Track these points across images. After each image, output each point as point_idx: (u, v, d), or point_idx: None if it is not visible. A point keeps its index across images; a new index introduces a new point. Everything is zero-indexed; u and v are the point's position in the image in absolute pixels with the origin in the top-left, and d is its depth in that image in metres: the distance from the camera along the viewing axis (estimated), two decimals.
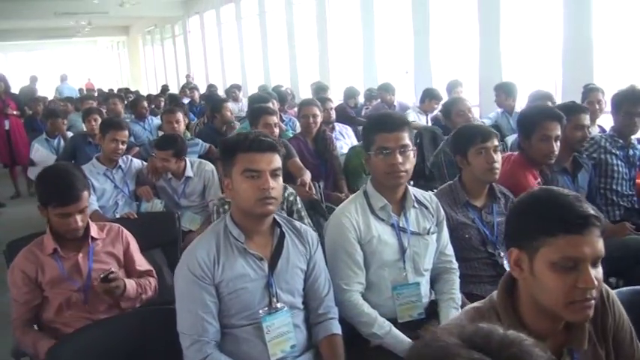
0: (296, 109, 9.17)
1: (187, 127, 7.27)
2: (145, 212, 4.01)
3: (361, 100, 8.60)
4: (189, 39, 18.67)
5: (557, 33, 6.87)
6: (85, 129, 6.28)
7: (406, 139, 2.38)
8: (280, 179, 2.07)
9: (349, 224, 2.38)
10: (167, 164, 4.12)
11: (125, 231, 2.68)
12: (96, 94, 15.03)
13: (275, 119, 4.57)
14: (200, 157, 5.40)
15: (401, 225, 2.45)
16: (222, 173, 2.13)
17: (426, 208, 2.53)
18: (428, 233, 2.50)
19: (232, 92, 10.69)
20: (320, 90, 8.42)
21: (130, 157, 4.39)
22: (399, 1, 9.16)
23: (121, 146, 4.15)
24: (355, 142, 6.04)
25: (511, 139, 5.85)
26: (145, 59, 24.89)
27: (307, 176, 4.27)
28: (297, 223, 2.26)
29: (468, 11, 8.00)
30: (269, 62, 13.38)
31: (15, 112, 8.89)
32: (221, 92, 11.71)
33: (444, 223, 2.60)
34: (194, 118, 9.23)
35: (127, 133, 4.21)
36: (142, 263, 2.69)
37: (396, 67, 9.53)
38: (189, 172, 4.27)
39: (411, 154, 2.39)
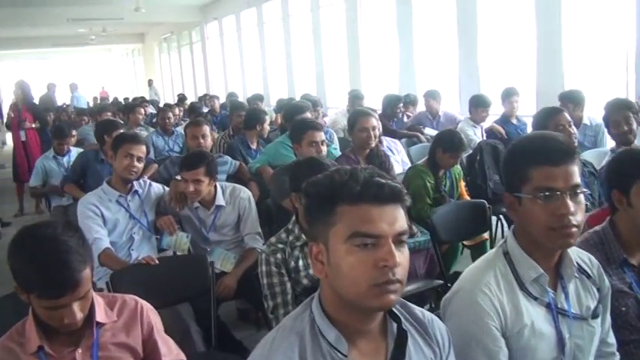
0: (326, 119, 8.52)
1: None
2: (168, 257, 3.21)
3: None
4: (207, 46, 17.94)
5: (628, 32, 6.04)
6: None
7: (577, 175, 1.57)
8: (406, 249, 1.27)
9: (490, 306, 1.56)
10: (199, 187, 3.33)
11: (145, 307, 1.85)
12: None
13: (323, 136, 3.79)
14: (229, 177, 4.62)
15: (559, 305, 1.63)
16: (310, 235, 1.33)
17: (588, 276, 1.72)
18: (593, 316, 1.68)
19: (255, 104, 9.89)
20: (356, 99, 7.61)
21: (147, 180, 3.59)
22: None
23: (136, 163, 3.33)
24: (406, 160, 5.23)
25: (590, 155, 5.04)
26: (161, 67, 24.16)
27: None
28: (419, 311, 1.43)
29: (523, 10, 7.16)
30: (293, 69, 12.58)
31: (33, 125, 8.23)
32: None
33: (609, 298, 1.77)
34: (214, 129, 8.46)
35: (144, 148, 3.41)
36: (169, 350, 1.86)
37: (438, 72, 8.69)
38: (220, 200, 3.48)
39: (583, 199, 1.58)
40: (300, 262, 2.47)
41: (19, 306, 1.71)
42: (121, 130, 5.10)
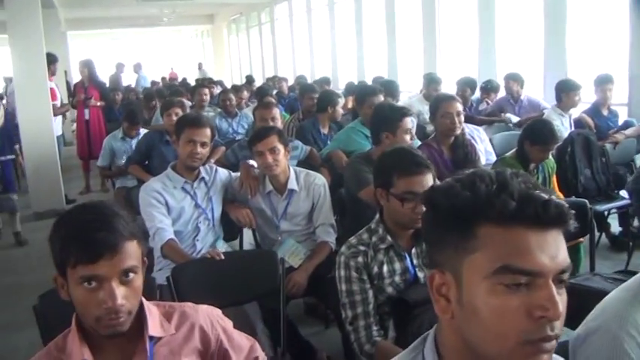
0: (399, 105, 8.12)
1: None
2: (235, 253, 2.98)
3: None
4: (276, 27, 17.71)
5: None
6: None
7: None
8: (565, 292, 0.92)
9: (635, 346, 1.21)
10: (277, 156, 3.10)
11: (214, 313, 1.58)
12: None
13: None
14: (300, 163, 4.35)
15: None
16: (433, 260, 1.00)
17: None
18: None
19: (322, 87, 9.58)
20: (432, 83, 7.20)
21: (214, 166, 3.35)
22: None
23: (199, 149, 3.08)
24: (490, 149, 4.82)
25: None
26: (229, 49, 24.08)
27: None
28: None
29: None
30: (364, 51, 12.17)
31: (98, 103, 8.22)
32: None
33: None
34: (282, 110, 8.22)
35: (207, 132, 3.14)
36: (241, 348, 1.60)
37: (521, 57, 8.14)
38: (293, 184, 3.22)
39: None
40: (385, 268, 2.17)
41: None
42: (178, 110, 4.95)
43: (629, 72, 6.24)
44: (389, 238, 2.18)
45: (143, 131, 5.83)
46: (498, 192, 0.88)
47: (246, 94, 9.37)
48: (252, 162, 3.36)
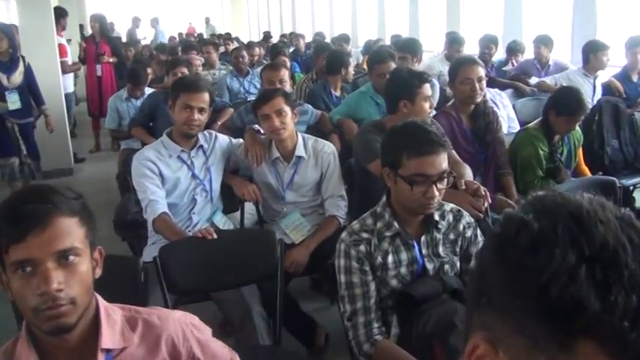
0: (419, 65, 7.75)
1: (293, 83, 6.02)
2: (230, 232, 2.77)
3: (498, 55, 6.91)
4: None
5: None
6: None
7: None
8: None
9: None
10: (284, 119, 2.91)
11: (187, 322, 1.35)
12: (196, 39, 14.10)
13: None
14: (309, 128, 4.12)
15: None
16: (479, 322, 0.70)
17: None
18: None
19: (339, 45, 9.23)
20: (454, 43, 6.82)
21: (213, 132, 3.11)
22: None
23: (197, 116, 2.84)
24: (513, 115, 4.53)
25: None
26: (247, 4, 23.50)
27: (468, 173, 2.90)
28: None
29: None
30: (385, 8, 11.72)
31: (110, 59, 7.95)
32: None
33: None
34: (297, 68, 7.92)
35: (206, 97, 2.90)
36: None
37: (548, 16, 7.71)
38: (301, 151, 3.02)
39: None
40: (390, 258, 1.95)
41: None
42: (184, 70, 4.70)
43: None
44: (396, 224, 1.95)
45: (148, 91, 5.60)
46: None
47: (259, 50, 9.11)
48: (257, 127, 3.14)
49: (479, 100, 3.40)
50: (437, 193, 1.86)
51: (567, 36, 6.98)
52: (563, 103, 3.37)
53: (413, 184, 1.85)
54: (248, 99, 6.33)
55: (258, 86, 6.57)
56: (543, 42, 6.29)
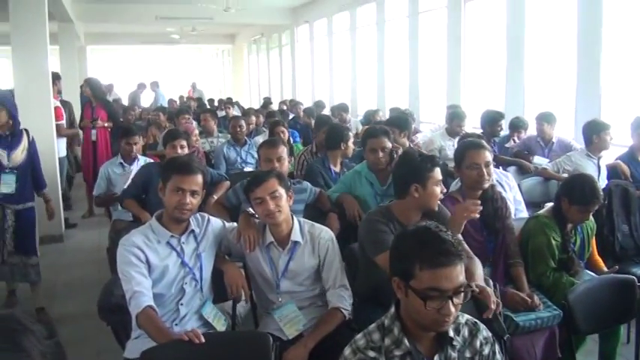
0: (418, 137, 7.66)
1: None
2: (220, 334, 2.52)
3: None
4: (296, 49, 17.40)
5: None
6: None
7: None
8: None
9: None
10: (279, 202, 2.75)
11: None
12: (194, 104, 14.12)
13: None
14: (308, 207, 3.94)
15: None
16: None
17: None
18: None
19: (339, 114, 9.20)
20: (456, 118, 6.74)
21: (205, 216, 2.90)
22: (559, 6, 7.32)
23: (189, 199, 2.64)
24: (519, 198, 4.35)
25: None
26: (249, 69, 23.80)
27: (480, 272, 2.72)
28: None
29: None
30: (385, 78, 11.77)
31: (106, 124, 7.77)
32: (327, 111, 10.26)
33: None
34: (297, 137, 7.78)
35: (199, 179, 2.69)
36: None
37: (551, 93, 7.67)
38: (297, 236, 2.82)
39: None
40: None
41: None
42: (184, 143, 4.58)
43: None
44: (406, 342, 1.72)
45: (142, 158, 5.43)
46: None
47: (257, 119, 8.99)
48: (252, 210, 2.95)
49: (486, 185, 3.25)
50: (453, 309, 1.65)
51: (570, 113, 6.92)
52: (577, 191, 3.21)
53: (426, 300, 1.64)
54: (245, 169, 6.20)
55: (256, 156, 6.43)
56: (546, 119, 6.21)
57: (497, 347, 1.86)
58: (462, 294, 1.67)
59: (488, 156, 3.25)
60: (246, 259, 2.89)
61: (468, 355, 1.80)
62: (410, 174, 2.83)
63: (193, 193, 2.65)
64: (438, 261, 1.63)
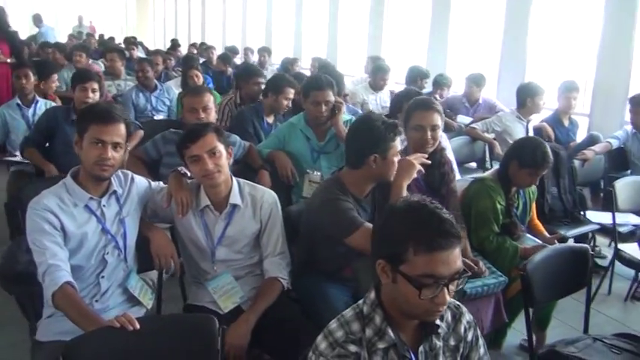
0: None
1: None
2: (157, 318, 2.19)
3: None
4: None
5: None
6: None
7: None
8: None
9: None
10: (219, 161, 2.43)
11: None
12: (96, 41, 13.08)
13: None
14: (236, 163, 3.60)
15: None
16: None
17: None
18: None
19: (261, 56, 8.80)
20: (380, 71, 6.54)
21: (129, 173, 2.49)
22: None
23: (111, 153, 2.23)
24: (453, 159, 4.21)
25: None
26: (154, 6, 22.25)
27: None
28: None
29: None
30: (302, 26, 11.35)
31: (8, 60, 6.74)
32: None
33: None
34: (210, 83, 7.25)
35: (121, 129, 2.27)
36: None
37: (475, 52, 7.63)
38: (236, 198, 2.52)
39: None
40: None
41: None
42: (96, 86, 4.07)
43: (595, 81, 5.86)
44: (390, 332, 1.50)
45: (42, 100, 4.82)
46: None
47: (162, 61, 8.22)
48: (184, 169, 2.61)
49: (430, 150, 3.04)
50: (448, 298, 1.44)
51: (494, 73, 6.91)
52: (528, 154, 3.10)
53: (422, 288, 1.41)
54: (156, 117, 5.71)
55: (169, 103, 5.95)
56: (476, 82, 6.18)
57: (478, 332, 1.68)
58: (457, 280, 1.46)
59: (437, 118, 3.04)
60: (176, 225, 2.55)
61: (452, 342, 1.62)
62: (369, 143, 2.54)
63: (116, 145, 2.25)
64: (437, 244, 1.41)
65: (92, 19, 21.53)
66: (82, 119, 2.32)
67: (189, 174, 2.57)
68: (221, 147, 2.44)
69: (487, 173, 3.38)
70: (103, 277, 2.29)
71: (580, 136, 5.43)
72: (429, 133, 3.01)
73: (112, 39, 14.58)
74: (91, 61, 8.14)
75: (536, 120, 5.32)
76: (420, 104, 3.13)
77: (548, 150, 3.16)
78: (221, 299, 2.47)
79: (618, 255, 3.76)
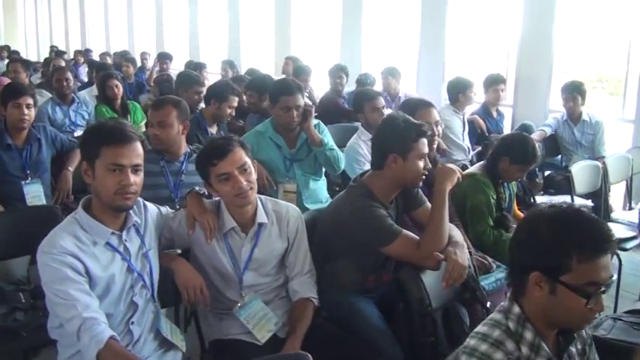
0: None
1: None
2: None
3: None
4: None
5: None
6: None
7: None
8: None
9: None
10: (250, 177, 2.25)
11: None
12: None
13: None
14: None
15: None
16: None
17: None
18: None
19: (162, 63, 8.40)
20: (302, 72, 6.48)
21: (141, 200, 2.16)
22: None
23: (133, 179, 1.94)
24: None
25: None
26: (24, 10, 20.35)
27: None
28: None
29: None
30: (198, 27, 10.93)
31: None
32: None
33: None
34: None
35: (140, 149, 2.00)
36: None
37: (390, 48, 7.71)
38: (262, 216, 2.31)
39: None
40: None
41: None
42: (30, 101, 3.62)
43: (516, 73, 6.12)
44: (545, 347, 1.43)
45: None
46: None
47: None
48: (201, 189, 2.36)
49: (436, 144, 3.08)
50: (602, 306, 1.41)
51: (412, 68, 7.02)
52: (519, 151, 3.18)
53: (589, 297, 1.35)
54: (75, 133, 5.22)
55: (87, 116, 5.47)
56: (391, 74, 6.33)
57: (590, 331, 1.67)
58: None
59: (436, 115, 3.06)
60: (195, 252, 2.30)
61: (579, 346, 1.60)
62: (389, 142, 2.45)
63: (136, 168, 1.97)
64: (603, 249, 1.37)
65: None
66: (89, 143, 2.00)
67: (206, 193, 2.33)
68: (249, 162, 2.23)
69: (473, 168, 3.39)
70: (132, 322, 2.00)
71: (506, 126, 5.66)
72: (435, 129, 3.02)
73: None
74: None
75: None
76: (419, 103, 3.19)
77: (536, 146, 3.25)
78: (256, 329, 2.26)
79: None
